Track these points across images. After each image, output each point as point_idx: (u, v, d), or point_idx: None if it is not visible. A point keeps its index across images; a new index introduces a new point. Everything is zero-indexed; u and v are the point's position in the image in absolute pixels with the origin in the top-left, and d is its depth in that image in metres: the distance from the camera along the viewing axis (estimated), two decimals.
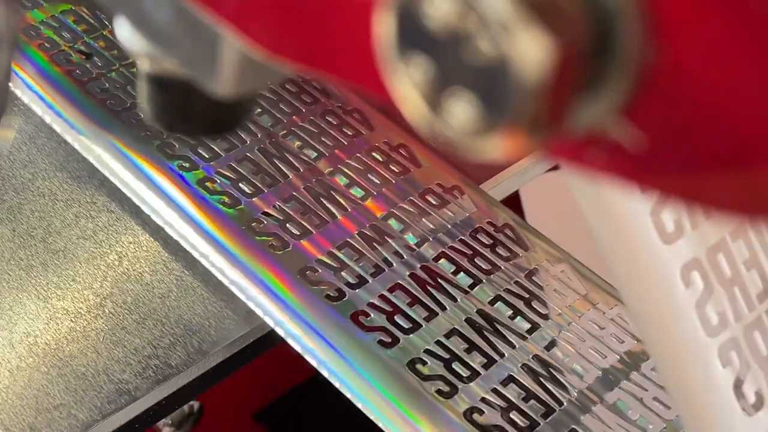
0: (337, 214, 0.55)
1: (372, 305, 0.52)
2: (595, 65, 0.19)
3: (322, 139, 0.59)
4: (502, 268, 0.55)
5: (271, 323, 0.51)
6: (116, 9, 0.30)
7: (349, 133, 0.59)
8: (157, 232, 0.56)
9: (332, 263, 0.53)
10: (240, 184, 0.56)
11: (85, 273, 0.55)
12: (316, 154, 0.58)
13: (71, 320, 0.53)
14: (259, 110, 0.59)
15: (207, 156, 0.57)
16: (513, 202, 0.76)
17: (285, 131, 0.59)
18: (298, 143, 0.58)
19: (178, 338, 0.53)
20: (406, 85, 0.20)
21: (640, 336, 0.52)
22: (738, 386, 0.30)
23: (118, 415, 0.50)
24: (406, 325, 0.51)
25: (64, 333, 0.52)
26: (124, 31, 0.30)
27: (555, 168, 0.66)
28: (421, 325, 0.51)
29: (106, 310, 0.53)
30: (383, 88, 0.21)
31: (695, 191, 0.19)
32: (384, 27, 0.20)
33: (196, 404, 0.68)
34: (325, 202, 0.56)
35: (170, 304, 0.54)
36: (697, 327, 0.29)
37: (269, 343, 0.53)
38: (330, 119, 0.60)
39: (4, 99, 0.32)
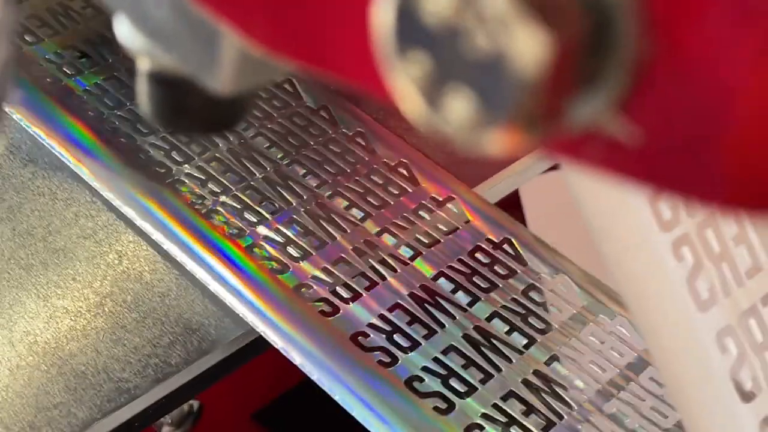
0: (336, 235, 0.55)
1: (371, 326, 0.52)
2: (593, 60, 0.19)
3: (325, 167, 0.59)
4: (500, 285, 0.54)
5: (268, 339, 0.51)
6: (115, 7, 0.30)
7: (351, 160, 0.59)
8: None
9: (327, 279, 0.53)
10: (245, 214, 0.55)
11: (84, 272, 0.55)
12: (317, 181, 0.58)
13: (71, 319, 0.53)
14: (267, 144, 0.59)
15: (218, 190, 0.56)
16: (513, 201, 0.76)
17: (289, 161, 0.59)
18: (303, 171, 0.58)
19: (177, 337, 0.53)
20: (404, 80, 0.20)
21: (640, 332, 0.52)
22: (734, 373, 0.30)
23: (117, 414, 0.50)
24: (405, 344, 0.51)
25: (63, 332, 0.52)
26: (124, 29, 0.30)
27: (555, 167, 0.66)
28: (420, 344, 0.51)
29: (106, 309, 0.53)
30: (381, 84, 0.21)
31: (693, 186, 0.19)
32: (381, 23, 0.20)
33: (195, 403, 0.68)
34: (324, 223, 0.56)
35: (170, 303, 0.54)
36: (692, 308, 0.29)
37: (269, 342, 0.53)
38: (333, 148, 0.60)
39: (2, 93, 0.32)
